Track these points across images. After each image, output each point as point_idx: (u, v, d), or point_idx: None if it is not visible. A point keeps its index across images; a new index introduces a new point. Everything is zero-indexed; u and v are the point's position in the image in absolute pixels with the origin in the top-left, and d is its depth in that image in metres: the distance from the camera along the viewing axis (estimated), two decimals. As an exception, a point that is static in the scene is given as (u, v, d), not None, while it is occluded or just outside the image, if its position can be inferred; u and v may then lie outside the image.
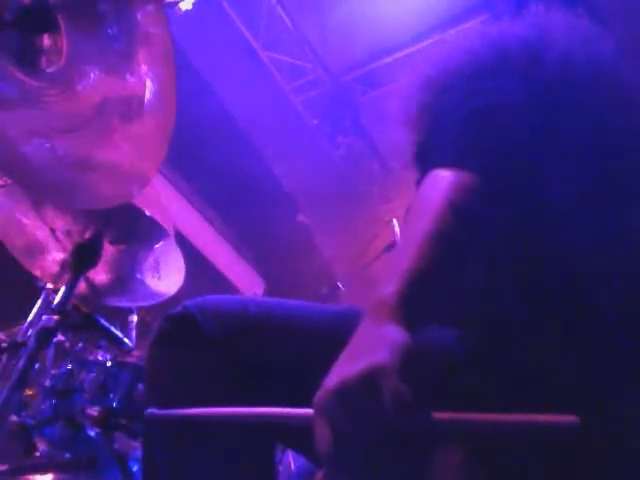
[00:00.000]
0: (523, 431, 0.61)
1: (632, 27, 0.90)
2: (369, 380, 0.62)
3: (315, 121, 5.55)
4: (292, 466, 2.44)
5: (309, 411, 0.65)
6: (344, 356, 0.67)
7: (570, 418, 0.58)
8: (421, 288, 0.71)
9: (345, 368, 0.64)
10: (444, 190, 0.76)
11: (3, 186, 2.02)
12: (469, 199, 0.76)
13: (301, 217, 6.01)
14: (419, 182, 0.84)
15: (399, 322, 0.68)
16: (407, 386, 0.62)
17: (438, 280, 0.73)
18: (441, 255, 0.73)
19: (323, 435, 0.63)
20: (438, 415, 0.62)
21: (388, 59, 5.05)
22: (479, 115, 0.81)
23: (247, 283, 5.88)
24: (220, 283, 5.46)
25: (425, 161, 0.85)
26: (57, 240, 2.14)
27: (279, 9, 4.93)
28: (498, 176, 0.77)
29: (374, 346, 0.65)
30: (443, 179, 0.78)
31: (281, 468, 2.41)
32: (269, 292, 5.95)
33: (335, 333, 0.72)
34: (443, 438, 0.69)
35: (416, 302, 0.70)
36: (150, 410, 0.74)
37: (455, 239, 0.74)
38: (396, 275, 0.71)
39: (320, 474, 0.67)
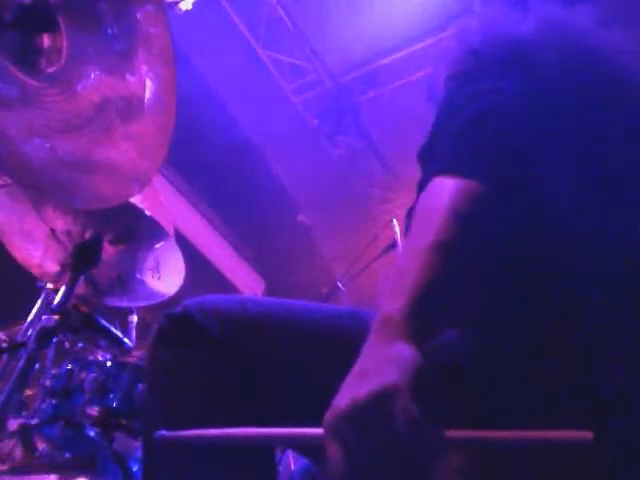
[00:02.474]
0: (536, 448, 0.61)
1: (632, 23, 0.89)
2: (381, 401, 0.61)
3: (315, 121, 5.55)
4: (292, 466, 2.44)
5: (319, 431, 0.64)
6: (353, 375, 0.66)
7: (585, 434, 0.57)
8: (428, 303, 0.70)
9: (355, 388, 0.63)
10: (447, 199, 0.75)
11: (3, 186, 2.02)
12: (472, 207, 0.75)
13: (301, 217, 6.01)
14: (421, 185, 0.83)
15: (408, 339, 0.67)
16: (418, 405, 0.62)
17: (444, 292, 0.72)
18: (446, 267, 0.72)
19: (336, 456, 0.62)
20: (451, 433, 0.62)
21: (388, 59, 5.05)
22: (481, 119, 0.81)
23: (247, 283, 5.88)
24: (220, 283, 5.46)
25: (427, 165, 0.84)
26: (57, 240, 2.14)
27: (279, 9, 4.93)
28: (499, 180, 0.77)
29: (384, 365, 0.65)
30: (445, 187, 0.77)
31: (281, 468, 2.41)
32: (269, 292, 5.95)
33: (335, 333, 0.72)
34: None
35: (424, 317, 0.69)
36: (160, 432, 0.73)
37: (459, 249, 0.74)
38: (402, 290, 0.70)
39: None
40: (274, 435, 0.69)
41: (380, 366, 0.65)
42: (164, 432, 0.72)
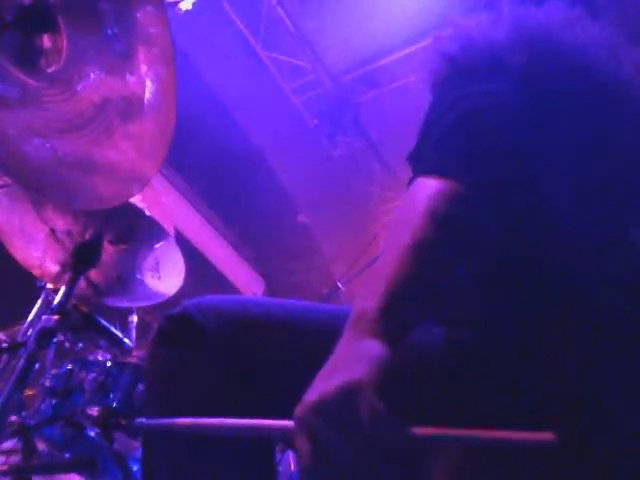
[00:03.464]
0: (500, 446, 0.62)
1: (627, 20, 0.89)
2: (346, 396, 0.63)
3: (315, 121, 5.55)
4: (292, 466, 2.43)
5: (290, 423, 0.66)
6: (324, 370, 0.68)
7: (546, 435, 0.58)
8: (401, 301, 0.71)
9: (324, 383, 0.65)
10: (426, 200, 0.76)
11: (3, 186, 2.02)
12: (452, 208, 0.75)
13: (301, 217, 6.01)
14: (408, 184, 0.84)
15: (379, 336, 0.68)
16: (384, 401, 0.63)
17: (419, 292, 0.73)
18: (422, 266, 0.73)
19: (303, 448, 0.64)
20: (417, 430, 0.63)
21: (388, 59, 5.05)
22: (467, 120, 0.81)
23: (247, 283, 5.88)
24: (220, 283, 5.46)
25: (415, 165, 0.85)
26: (57, 240, 2.14)
27: (279, 9, 4.93)
28: (487, 180, 0.77)
29: (352, 361, 0.66)
30: (426, 188, 0.78)
31: (281, 468, 2.41)
32: (269, 292, 5.95)
33: (335, 333, 0.71)
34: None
35: (397, 316, 0.71)
36: (139, 420, 0.74)
37: (437, 250, 0.74)
38: (375, 289, 0.72)
39: None
40: (249, 426, 0.70)
41: (349, 362, 0.67)
42: (143, 420, 0.74)
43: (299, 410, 0.65)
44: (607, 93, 0.81)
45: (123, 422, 1.91)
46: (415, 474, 0.70)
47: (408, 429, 0.63)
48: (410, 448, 0.63)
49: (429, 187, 0.77)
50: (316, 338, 0.91)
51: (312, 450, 0.63)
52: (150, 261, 2.30)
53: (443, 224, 0.75)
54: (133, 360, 2.08)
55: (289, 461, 2.46)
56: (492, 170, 0.77)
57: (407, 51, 4.85)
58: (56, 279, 2.24)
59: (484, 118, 0.80)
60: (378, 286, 0.72)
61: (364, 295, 0.73)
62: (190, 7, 2.93)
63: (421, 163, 0.83)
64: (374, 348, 0.67)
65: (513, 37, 0.84)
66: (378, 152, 5.86)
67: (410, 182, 0.82)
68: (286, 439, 0.67)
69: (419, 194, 0.78)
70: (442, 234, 0.74)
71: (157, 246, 2.26)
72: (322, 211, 5.90)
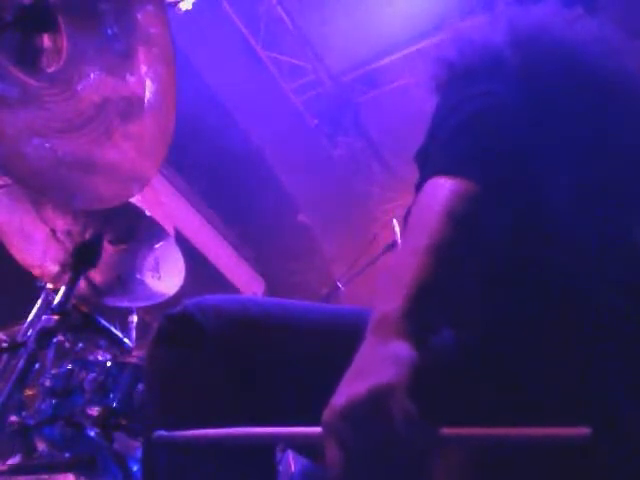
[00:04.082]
0: (533, 445, 0.61)
1: (629, 21, 0.89)
2: (378, 400, 0.62)
3: (315, 121, 5.55)
4: (292, 466, 2.44)
5: (318, 430, 0.64)
6: (351, 374, 0.67)
7: (582, 430, 0.56)
8: (424, 302, 0.70)
9: (353, 387, 0.64)
10: (443, 200, 0.76)
11: (3, 186, 2.02)
12: (468, 207, 0.75)
13: (301, 217, 6.01)
14: (417, 186, 0.84)
15: (404, 338, 0.67)
16: (415, 403, 0.62)
17: (440, 293, 0.73)
18: (442, 267, 0.72)
19: (333, 455, 0.62)
20: (447, 431, 0.62)
21: (388, 59, 5.05)
22: (474, 120, 0.81)
23: (247, 283, 5.88)
24: (220, 283, 5.46)
25: (424, 166, 0.85)
26: (57, 240, 2.14)
27: (279, 9, 4.93)
28: (496, 180, 0.77)
29: (381, 364, 0.65)
30: (441, 188, 0.77)
31: (281, 468, 2.41)
32: (269, 292, 5.95)
33: (335, 333, 0.72)
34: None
35: (420, 317, 0.70)
36: (159, 433, 0.73)
37: (455, 249, 0.74)
38: (398, 290, 0.71)
39: None
40: (272, 435, 0.69)
41: (377, 365, 0.65)
42: (162, 432, 0.73)
43: (327, 415, 0.64)
44: (607, 92, 0.81)
45: (123, 422, 1.91)
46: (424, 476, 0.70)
47: (439, 431, 0.62)
48: (441, 450, 0.62)
49: (444, 187, 0.77)
50: (316, 338, 0.91)
51: (342, 457, 0.62)
52: (150, 261, 2.30)
53: (460, 224, 0.74)
54: (133, 360, 2.08)
55: (289, 461, 2.46)
56: (493, 170, 0.78)
57: (407, 51, 4.85)
58: (56, 279, 2.24)
59: (489, 116, 0.80)
60: (399, 288, 0.71)
61: (384, 298, 0.72)
62: (190, 7, 2.93)
63: (431, 164, 0.82)
64: (401, 350, 0.66)
65: (511, 37, 0.84)
66: (378, 152, 5.86)
67: (419, 184, 0.82)
68: (312, 447, 0.65)
69: (434, 195, 0.78)
70: (460, 234, 0.74)
71: (157, 246, 2.26)
72: (322, 211, 5.90)
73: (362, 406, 0.62)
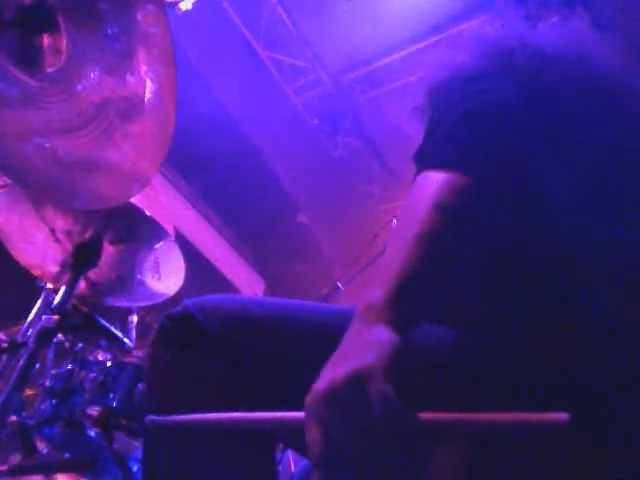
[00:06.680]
0: (512, 429, 0.61)
1: (631, 28, 0.90)
2: (356, 382, 0.63)
3: (315, 121, 5.55)
4: (292, 466, 2.44)
5: (301, 414, 0.65)
6: (333, 358, 0.68)
7: (560, 415, 0.57)
8: (409, 290, 0.72)
9: (334, 370, 0.66)
10: (431, 192, 0.77)
11: (3, 186, 2.02)
12: (457, 200, 0.76)
13: (301, 217, 6.01)
14: (413, 180, 0.84)
15: (388, 323, 0.68)
16: (394, 387, 0.63)
17: (425, 281, 0.74)
18: (428, 257, 0.73)
19: (314, 437, 0.64)
20: (425, 415, 0.62)
21: (388, 59, 5.05)
22: (472, 117, 0.82)
23: (247, 283, 5.88)
24: (220, 283, 5.46)
25: (420, 161, 0.85)
26: (57, 240, 2.14)
27: (279, 9, 4.93)
28: (491, 176, 0.77)
29: (362, 348, 0.66)
30: (432, 181, 0.79)
31: (281, 468, 2.41)
32: (269, 292, 5.95)
33: (335, 333, 0.72)
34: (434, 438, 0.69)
35: (405, 305, 0.71)
36: (150, 417, 0.74)
37: (442, 240, 0.75)
38: (384, 278, 0.72)
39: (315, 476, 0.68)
40: (257, 419, 0.70)
41: (358, 348, 0.67)
42: (154, 417, 0.74)
43: (309, 399, 0.65)
44: (606, 91, 0.81)
45: (123, 422, 1.91)
46: (421, 465, 0.70)
47: (416, 414, 0.62)
48: (419, 433, 0.63)
49: (434, 179, 0.78)
50: (316, 338, 0.91)
51: (322, 439, 0.63)
52: (150, 261, 2.30)
53: (448, 215, 0.75)
54: (133, 360, 2.08)
55: (289, 461, 2.46)
56: (493, 164, 0.78)
57: (407, 51, 4.85)
58: (56, 279, 2.24)
59: (486, 114, 0.81)
60: (385, 275, 0.72)
61: (371, 284, 0.73)
62: (190, 7, 2.93)
63: (425, 159, 0.83)
64: (384, 334, 0.67)
65: (512, 40, 0.85)
66: (378, 152, 5.86)
67: (415, 177, 0.83)
68: (295, 431, 0.66)
69: (425, 186, 0.79)
70: (448, 225, 0.75)
71: (157, 246, 2.26)
72: (322, 211, 5.90)
73: (341, 388, 0.63)
